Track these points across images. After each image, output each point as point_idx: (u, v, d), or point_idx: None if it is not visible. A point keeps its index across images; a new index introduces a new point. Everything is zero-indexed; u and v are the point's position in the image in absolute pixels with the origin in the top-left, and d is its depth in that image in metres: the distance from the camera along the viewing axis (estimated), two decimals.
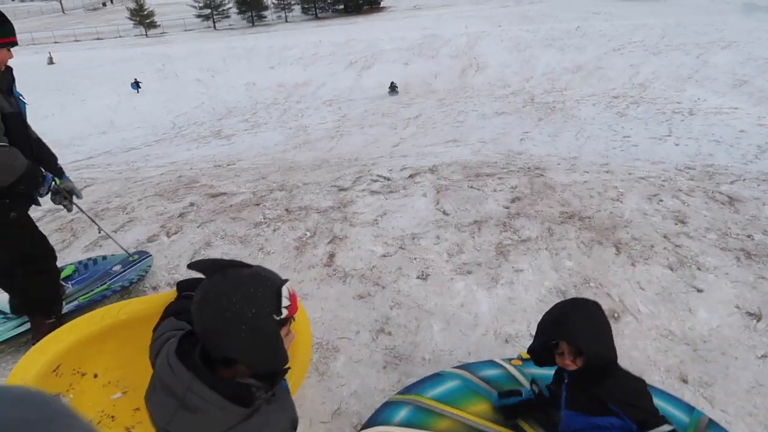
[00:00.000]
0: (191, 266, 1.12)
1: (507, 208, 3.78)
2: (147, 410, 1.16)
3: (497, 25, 40.73)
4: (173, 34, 54.80)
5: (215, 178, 5.38)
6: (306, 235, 3.39)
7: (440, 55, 32.68)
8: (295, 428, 1.20)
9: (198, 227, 3.65)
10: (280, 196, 4.15)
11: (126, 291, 2.84)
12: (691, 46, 25.89)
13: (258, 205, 4.03)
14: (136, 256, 3.15)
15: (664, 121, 16.86)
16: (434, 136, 15.90)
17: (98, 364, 1.71)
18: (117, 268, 3.06)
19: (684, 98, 19.66)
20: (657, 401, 1.53)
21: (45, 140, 2.67)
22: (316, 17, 56.16)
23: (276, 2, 57.47)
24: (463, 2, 54.75)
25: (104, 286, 2.89)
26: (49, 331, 2.07)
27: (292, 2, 57.69)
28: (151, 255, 3.20)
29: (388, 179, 4.79)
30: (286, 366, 1.15)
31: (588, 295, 2.64)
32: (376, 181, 4.73)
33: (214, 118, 26.23)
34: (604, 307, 2.50)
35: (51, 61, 42.59)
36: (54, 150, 2.72)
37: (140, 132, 24.35)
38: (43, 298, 2.55)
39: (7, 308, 2.70)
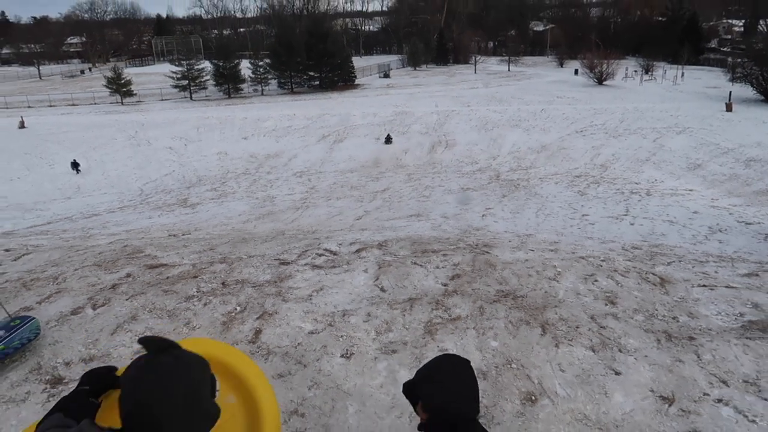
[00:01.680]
0: (142, 340, 1.10)
1: (445, 285, 3.79)
2: None
3: (466, 104, 42.37)
4: (149, 103, 55.45)
5: (162, 248, 5.31)
6: (236, 309, 3.33)
7: (411, 132, 33.63)
8: None
9: (127, 299, 3.56)
10: (220, 269, 4.10)
11: (22, 356, 2.73)
12: (649, 130, 27.28)
13: (195, 277, 3.97)
14: (18, 321, 3.08)
15: (623, 200, 17.45)
16: (398, 210, 16.11)
17: None
18: (1, 333, 2.97)
19: (642, 179, 20.47)
20: None
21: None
22: (292, 92, 57.66)
23: (253, 76, 58.99)
24: (434, 83, 57.00)
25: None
26: None
27: (269, 77, 59.30)
28: (35, 318, 3.12)
29: (335, 253, 4.79)
30: None
31: (509, 376, 2.62)
32: (321, 255, 4.72)
33: (182, 186, 26.22)
34: (523, 389, 2.49)
35: (22, 125, 42.44)
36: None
37: (106, 198, 24.13)
38: None
39: None
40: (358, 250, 4.90)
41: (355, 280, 3.92)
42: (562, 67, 66.89)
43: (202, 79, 58.40)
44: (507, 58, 66.75)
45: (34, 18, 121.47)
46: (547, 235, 9.95)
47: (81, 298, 3.60)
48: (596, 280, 3.87)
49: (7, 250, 5.04)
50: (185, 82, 57.69)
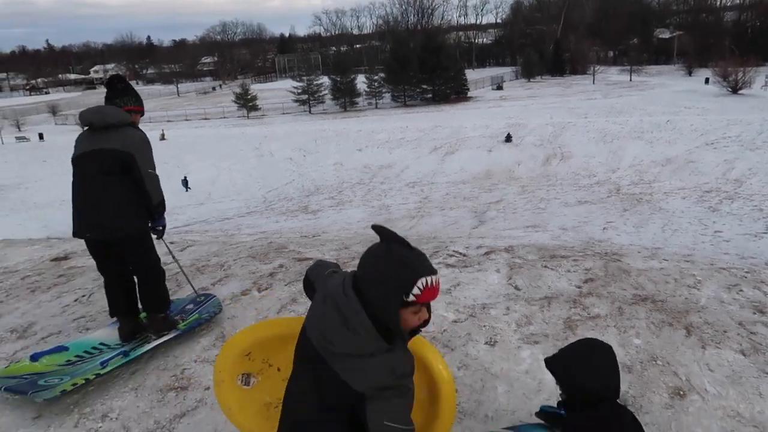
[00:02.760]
0: (375, 227, 1.57)
1: (579, 287, 3.87)
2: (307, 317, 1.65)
3: (583, 116, 40.88)
4: (272, 117, 59.09)
5: (302, 246, 5.80)
6: None
7: (524, 144, 33.05)
8: (412, 374, 1.58)
9: (285, 285, 4.00)
10: None
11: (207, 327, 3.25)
12: None
13: (342, 265, 4.35)
14: (202, 297, 3.65)
15: (761, 218, 16.10)
16: (514, 221, 16.02)
17: (282, 360, 2.02)
18: (190, 306, 3.55)
19: None
20: None
21: None
22: (405, 105, 58.86)
23: (368, 90, 60.87)
24: (548, 94, 55.67)
25: (192, 318, 3.35)
26: (164, 324, 3.16)
27: (383, 90, 60.92)
28: (215, 296, 3.69)
29: (464, 255, 5.00)
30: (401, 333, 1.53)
31: (654, 371, 2.69)
32: (452, 256, 4.95)
33: (302, 195, 27.63)
34: (670, 384, 2.55)
35: (163, 137, 46.83)
36: None
37: (234, 204, 26.04)
38: (165, 297, 3.28)
39: (108, 340, 3.19)
40: (486, 253, 5.06)
41: (489, 278, 4.10)
42: (690, 75, 62.69)
43: (321, 94, 61.27)
44: (628, 67, 63.49)
45: (174, 41, 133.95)
46: (677, 249, 9.50)
47: (247, 282, 4.11)
48: (741, 290, 3.77)
49: (171, 243, 5.73)
50: (305, 97, 60.83)
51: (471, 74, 68.10)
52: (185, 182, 29.65)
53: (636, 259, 4.88)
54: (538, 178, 25.82)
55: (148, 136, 3.19)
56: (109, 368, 2.89)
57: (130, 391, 2.80)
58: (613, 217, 17.01)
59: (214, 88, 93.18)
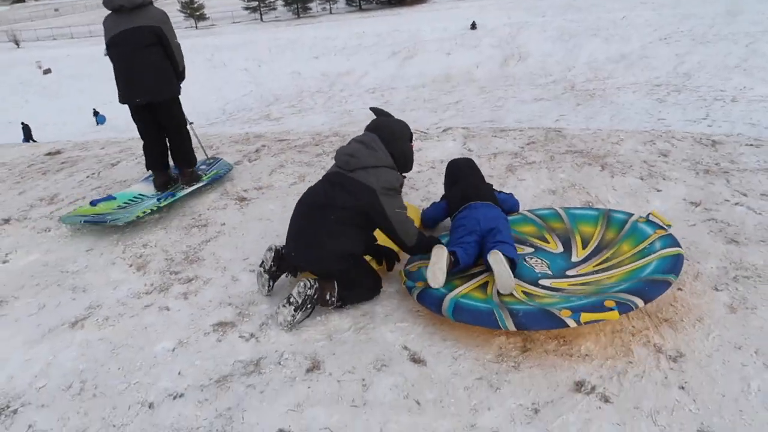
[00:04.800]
0: (372, 108, 2.84)
1: (521, 147, 4.61)
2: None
3: (541, 15, 40.64)
4: (221, 26, 56.63)
5: (279, 134, 6.35)
6: None
7: (482, 45, 32.96)
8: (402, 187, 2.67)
9: (272, 156, 4.64)
10: (336, 140, 5.08)
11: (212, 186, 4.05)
12: (742, 35, 25.50)
13: (317, 145, 4.98)
14: (211, 160, 4.38)
15: (704, 106, 17.07)
16: (472, 118, 16.67)
17: None
18: (204, 167, 4.22)
19: (729, 87, 19.56)
20: None
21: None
22: (360, 9, 57.11)
23: None
24: None
25: (212, 172, 4.13)
26: (192, 176, 3.90)
27: None
28: (223, 158, 4.42)
29: (425, 132, 5.66)
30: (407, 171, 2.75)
31: (571, 193, 3.49)
32: (414, 133, 5.60)
33: (262, 105, 27.45)
34: (583, 200, 3.34)
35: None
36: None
37: (192, 118, 25.73)
38: (193, 153, 3.99)
39: (145, 192, 3.88)
40: (444, 130, 5.73)
41: (446, 145, 4.80)
42: None
43: (272, 0, 58.67)
44: None
45: None
46: None
47: (237, 156, 4.72)
48: (654, 144, 4.55)
49: None
50: (255, 4, 58.21)
51: None
52: (96, 114, 26.65)
53: (575, 131, 5.64)
54: (496, 79, 26.19)
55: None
56: (164, 203, 3.64)
57: (160, 229, 3.47)
58: (566, 110, 17.82)
59: None
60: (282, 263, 2.63)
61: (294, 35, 45.47)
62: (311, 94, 28.15)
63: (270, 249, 2.62)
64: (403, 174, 2.69)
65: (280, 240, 2.70)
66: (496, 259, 2.41)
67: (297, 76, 32.98)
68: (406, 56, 33.50)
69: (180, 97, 3.90)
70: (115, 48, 3.60)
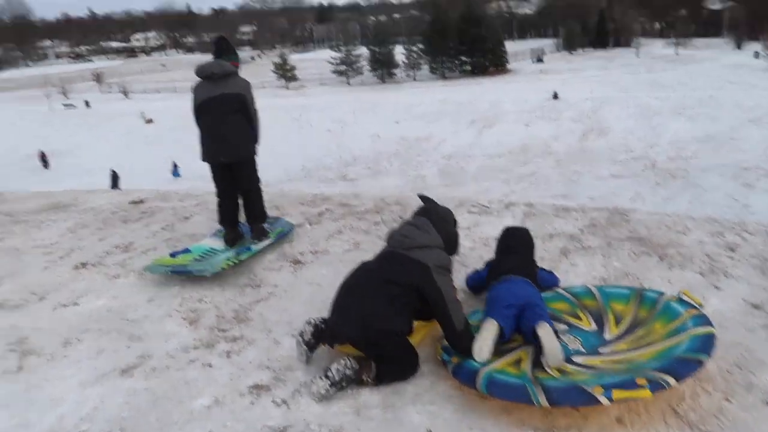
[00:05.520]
0: (420, 195, 3.26)
1: (580, 230, 4.54)
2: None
3: (624, 90, 40.24)
4: (311, 87, 59.86)
5: (344, 197, 6.58)
6: None
7: (562, 119, 32.92)
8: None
9: (332, 221, 4.81)
10: (397, 209, 5.22)
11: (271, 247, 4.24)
12: None
13: (378, 212, 5.13)
14: (273, 219, 4.58)
15: None
16: (544, 191, 16.57)
17: None
18: (267, 226, 4.41)
19: None
20: None
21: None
22: (443, 77, 58.82)
23: (406, 62, 60.96)
24: (590, 67, 54.79)
25: (277, 230, 4.38)
26: (263, 232, 4.18)
27: (421, 62, 60.92)
28: (284, 218, 4.68)
29: (486, 207, 5.69)
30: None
31: (623, 282, 3.40)
32: (474, 206, 5.65)
33: (341, 165, 28.39)
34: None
35: None
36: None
37: (274, 172, 26.92)
38: (264, 210, 4.35)
39: (216, 246, 4.16)
40: (507, 206, 5.74)
41: (505, 221, 4.81)
42: (739, 49, 60.60)
43: (359, 65, 61.61)
44: (675, 40, 61.69)
45: (213, 9, 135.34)
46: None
47: (300, 218, 4.93)
48: (723, 235, 4.36)
49: None
50: (343, 68, 61.28)
51: (511, 46, 67.22)
52: (175, 168, 28.59)
53: (640, 215, 5.51)
54: (574, 153, 25.91)
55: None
56: (243, 256, 3.94)
57: (216, 285, 3.67)
58: (644, 190, 17.33)
59: (252, 58, 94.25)
60: (321, 334, 2.71)
61: (377, 99, 47.26)
62: (388, 156, 28.86)
63: (309, 323, 2.71)
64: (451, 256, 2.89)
65: (326, 305, 2.80)
66: (546, 331, 2.46)
67: (377, 139, 33.99)
68: (485, 125, 33.89)
69: (256, 157, 4.32)
70: (203, 112, 4.05)
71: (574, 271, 3.61)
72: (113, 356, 2.92)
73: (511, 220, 4.88)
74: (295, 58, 73.29)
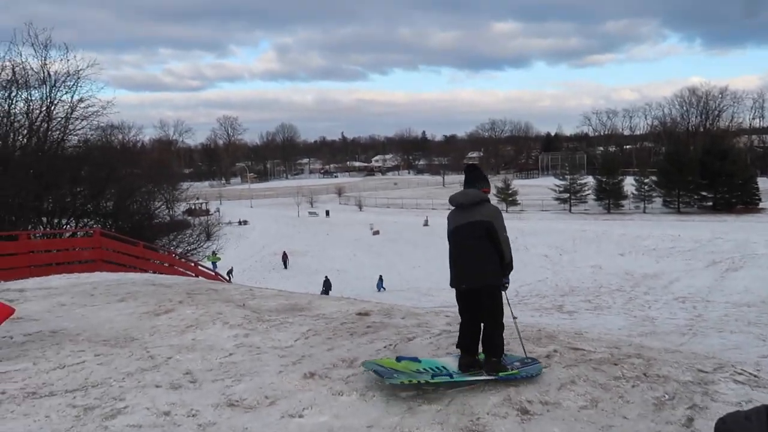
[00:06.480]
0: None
1: None
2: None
3: None
4: (530, 212, 59.74)
5: (571, 337, 6.01)
6: (665, 396, 3.72)
7: None
8: None
9: (563, 368, 4.32)
10: (639, 363, 4.54)
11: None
12: None
13: (615, 364, 4.50)
14: (529, 360, 4.36)
15: None
16: None
17: None
18: (516, 364, 4.25)
19: None
20: None
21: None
22: (678, 211, 54.11)
23: (636, 193, 57.77)
24: None
25: (513, 372, 4.10)
26: (496, 367, 4.03)
27: (654, 194, 57.15)
28: (540, 363, 4.32)
29: (756, 376, 4.67)
30: None
31: None
32: (740, 374, 4.67)
33: (556, 294, 27.09)
34: None
35: (426, 223, 50.67)
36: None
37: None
38: (502, 344, 4.24)
39: (449, 366, 4.13)
40: None
41: None
42: None
43: (583, 194, 60.15)
44: None
45: (445, 136, 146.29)
46: None
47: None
48: None
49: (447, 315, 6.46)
50: (566, 195, 60.31)
51: (765, 183, 59.77)
52: (381, 281, 29.84)
53: None
54: None
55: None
56: (436, 380, 3.83)
57: (437, 424, 3.42)
58: None
59: None
60: None
61: (601, 229, 45.11)
62: (610, 291, 26.82)
63: None
64: None
65: None
66: None
67: (598, 270, 32.11)
68: (729, 267, 29.92)
69: (503, 289, 4.30)
70: (453, 238, 4.25)
71: None
72: None
73: None
74: (517, 183, 74.57)
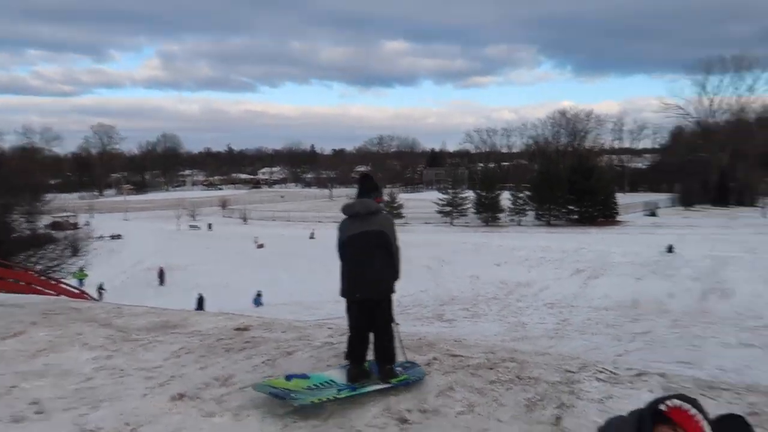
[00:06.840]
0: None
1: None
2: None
3: (751, 251, 37.41)
4: (413, 225, 61.21)
5: (450, 345, 6.14)
6: (536, 397, 3.87)
7: (679, 275, 30.88)
8: None
9: (442, 375, 4.38)
10: (513, 366, 4.71)
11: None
12: None
13: (491, 369, 4.64)
14: (409, 364, 4.37)
15: None
16: (662, 355, 14.90)
17: None
18: (399, 369, 4.22)
19: None
20: None
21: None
22: (549, 224, 58.16)
23: (512, 207, 61.35)
24: (710, 225, 52.00)
25: (402, 377, 4.09)
26: (390, 374, 3.96)
27: (527, 208, 61.00)
28: (420, 366, 4.37)
29: (614, 373, 5.02)
30: None
31: None
32: (601, 372, 5.00)
33: (436, 303, 27.86)
34: None
35: (312, 236, 50.34)
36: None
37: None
38: (394, 352, 4.21)
39: (337, 379, 4.01)
40: (637, 374, 5.04)
41: (642, 396, 4.13)
42: None
43: (464, 207, 62.85)
44: None
45: (334, 150, 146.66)
46: None
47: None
48: None
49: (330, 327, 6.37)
50: (448, 209, 62.69)
51: (622, 198, 65.93)
52: (259, 296, 28.20)
53: None
54: (693, 314, 23.73)
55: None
56: (342, 395, 3.75)
57: None
58: None
59: None
60: None
61: (480, 241, 47.19)
62: (487, 299, 28.06)
63: None
64: None
65: None
66: None
67: (476, 280, 33.43)
68: (590, 275, 32.50)
69: (393, 296, 4.28)
70: (346, 248, 4.18)
71: None
72: None
73: (648, 394, 4.20)
74: (403, 197, 76.31)
